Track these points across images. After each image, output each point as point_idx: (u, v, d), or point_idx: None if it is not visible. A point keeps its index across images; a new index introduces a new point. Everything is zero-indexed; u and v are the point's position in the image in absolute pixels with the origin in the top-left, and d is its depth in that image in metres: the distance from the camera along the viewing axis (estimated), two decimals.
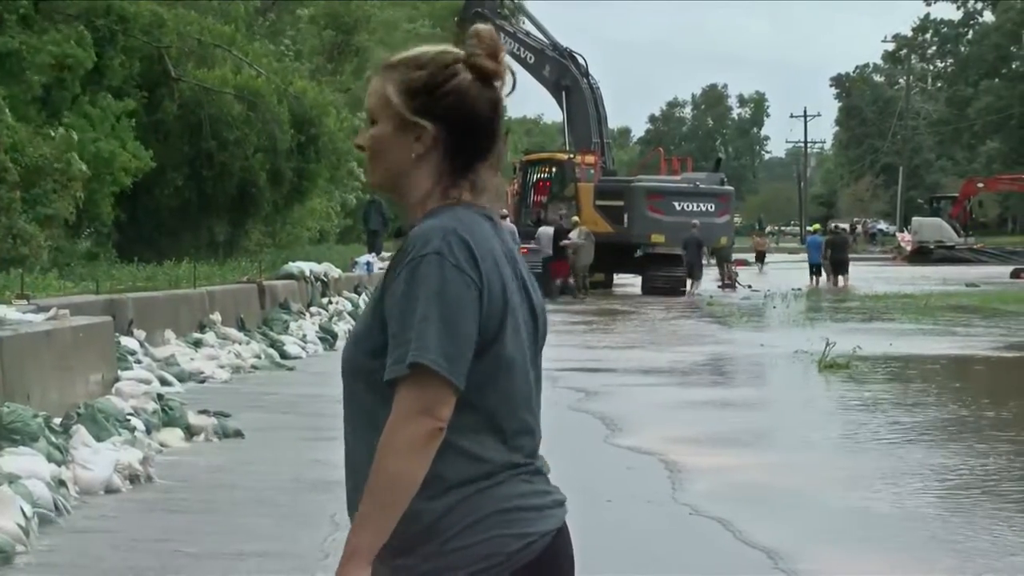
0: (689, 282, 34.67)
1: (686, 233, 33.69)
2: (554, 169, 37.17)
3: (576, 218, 33.94)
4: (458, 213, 2.57)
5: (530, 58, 37.83)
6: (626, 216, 34.48)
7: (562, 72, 37.20)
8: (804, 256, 44.39)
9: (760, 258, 54.17)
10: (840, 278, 39.50)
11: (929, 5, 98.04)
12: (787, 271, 47.16)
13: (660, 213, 34.38)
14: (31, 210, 18.77)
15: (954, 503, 8.70)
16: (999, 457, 10.22)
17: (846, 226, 74.64)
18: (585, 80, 37.20)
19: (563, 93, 37.27)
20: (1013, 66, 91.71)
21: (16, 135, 18.88)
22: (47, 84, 21.20)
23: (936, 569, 7.01)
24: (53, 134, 19.89)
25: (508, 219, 34.01)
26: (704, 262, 36.40)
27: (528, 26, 40.03)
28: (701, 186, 36.04)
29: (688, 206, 35.08)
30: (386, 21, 54.21)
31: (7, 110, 19.09)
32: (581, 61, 37.74)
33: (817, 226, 50.48)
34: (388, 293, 2.53)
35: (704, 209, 35.33)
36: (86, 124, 21.60)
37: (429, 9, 61.58)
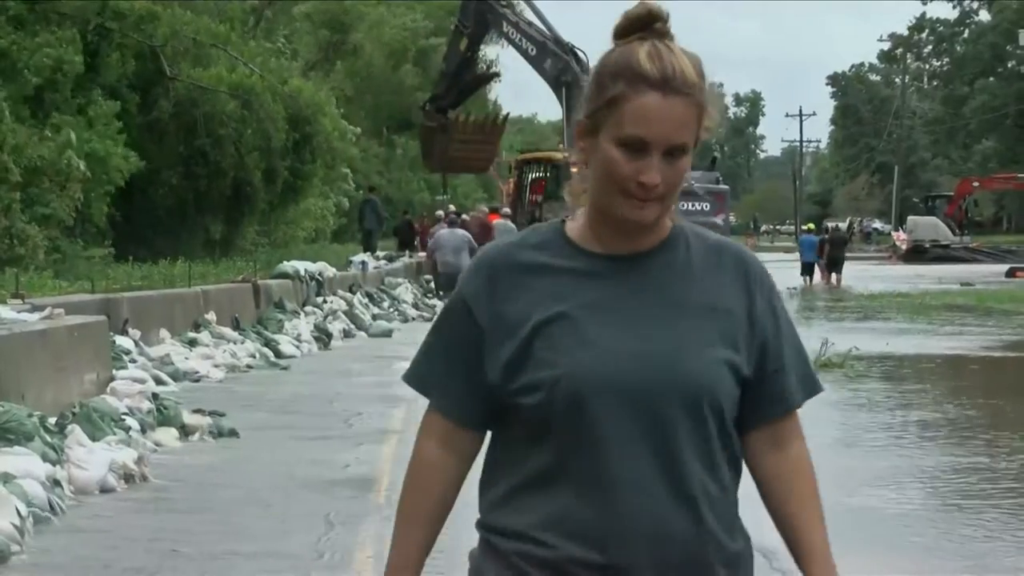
0: None
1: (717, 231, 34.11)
2: (549, 169, 37.15)
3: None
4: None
5: (532, 50, 37.39)
6: None
7: (563, 68, 36.75)
8: (799, 255, 44.39)
9: None
10: (835, 276, 39.61)
11: (925, 4, 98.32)
12: (781, 270, 47.14)
13: None
14: (28, 210, 18.78)
15: (950, 502, 8.71)
16: (996, 456, 10.23)
17: (843, 225, 74.83)
18: (586, 78, 36.76)
19: (563, 89, 36.89)
20: (1009, 65, 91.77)
21: (17, 136, 18.88)
22: (39, 84, 21.18)
23: (932, 569, 7.02)
24: (50, 134, 19.89)
25: (509, 218, 33.98)
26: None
27: (530, 16, 39.26)
28: (696, 185, 35.98)
29: (683, 205, 34.97)
30: (378, 21, 54.06)
31: (7, 111, 19.08)
32: (583, 57, 37.30)
33: (811, 225, 50.58)
34: (770, 315, 2.41)
35: (699, 208, 35.30)
36: (78, 125, 21.57)
37: (424, 8, 61.51)
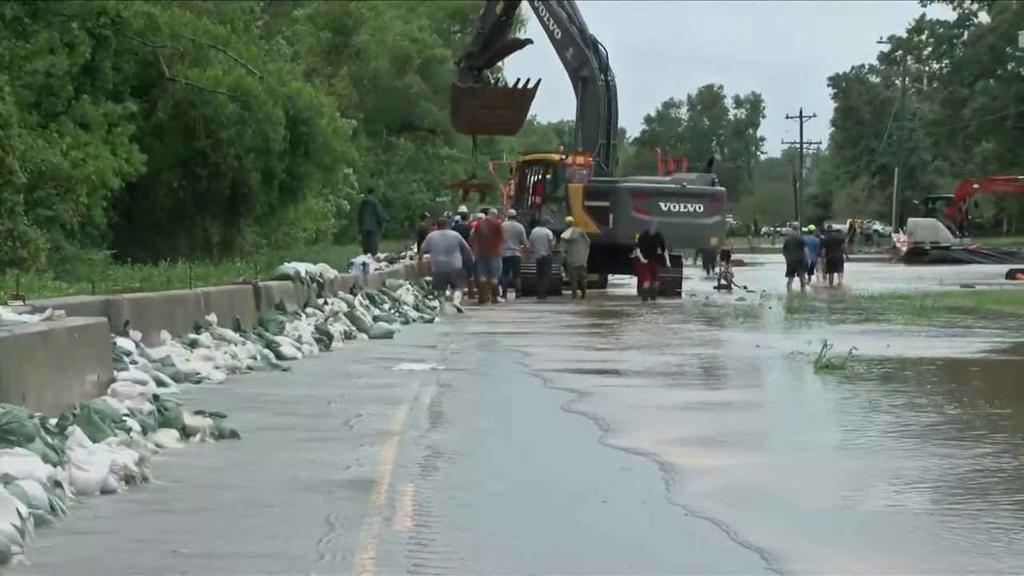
0: (788, 280, 36.30)
1: (789, 234, 35.03)
2: (548, 170, 37.12)
3: (570, 218, 34.00)
4: None
5: (557, 33, 37.04)
6: (611, 216, 34.43)
7: (583, 62, 36.53)
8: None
9: (725, 256, 54.31)
10: (835, 276, 39.77)
11: (924, 6, 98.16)
12: (781, 271, 47.11)
13: (646, 214, 34.28)
14: (32, 212, 18.81)
15: (950, 504, 8.71)
16: (995, 458, 10.24)
17: (843, 227, 74.85)
18: (603, 76, 36.36)
19: (580, 84, 36.67)
20: (1008, 67, 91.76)
21: (24, 141, 18.91)
22: (40, 88, 21.19)
23: (931, 570, 7.02)
24: (57, 136, 19.92)
25: (515, 219, 33.93)
26: (815, 260, 38.52)
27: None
28: (689, 186, 35.88)
29: (675, 207, 34.98)
30: (381, 27, 53.99)
31: (14, 116, 19.13)
32: (603, 53, 36.98)
33: (812, 227, 50.68)
34: None
35: (692, 210, 35.25)
36: (79, 128, 21.58)
37: (426, 10, 61.49)
